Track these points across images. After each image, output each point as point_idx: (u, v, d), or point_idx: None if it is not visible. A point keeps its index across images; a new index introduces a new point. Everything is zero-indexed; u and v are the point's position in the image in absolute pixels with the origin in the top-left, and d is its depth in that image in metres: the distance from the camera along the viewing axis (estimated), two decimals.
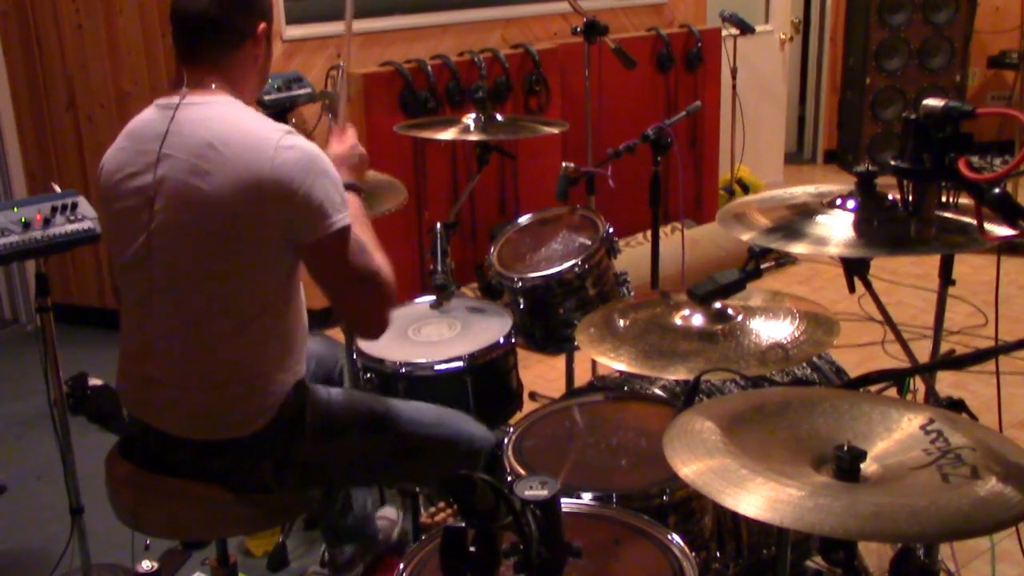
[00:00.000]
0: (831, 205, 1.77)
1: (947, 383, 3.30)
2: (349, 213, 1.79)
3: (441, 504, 2.55)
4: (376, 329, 1.91)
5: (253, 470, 1.88)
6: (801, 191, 1.92)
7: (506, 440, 1.96)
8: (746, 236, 1.76)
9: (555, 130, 3.01)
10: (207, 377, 1.84)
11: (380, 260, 1.85)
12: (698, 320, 1.94)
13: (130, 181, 1.83)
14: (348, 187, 1.92)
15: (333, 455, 1.95)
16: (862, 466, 1.31)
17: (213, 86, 1.84)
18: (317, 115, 4.02)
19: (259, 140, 1.75)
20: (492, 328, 2.44)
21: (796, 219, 1.77)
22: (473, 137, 2.86)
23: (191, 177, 1.75)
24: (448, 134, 2.88)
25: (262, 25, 1.87)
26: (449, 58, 4.37)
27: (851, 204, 1.75)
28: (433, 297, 2.59)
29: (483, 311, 2.57)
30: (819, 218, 1.75)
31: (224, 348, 1.83)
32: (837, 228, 1.70)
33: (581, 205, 2.83)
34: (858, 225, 1.70)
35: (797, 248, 1.69)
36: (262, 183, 1.72)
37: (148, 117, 1.86)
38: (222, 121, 1.78)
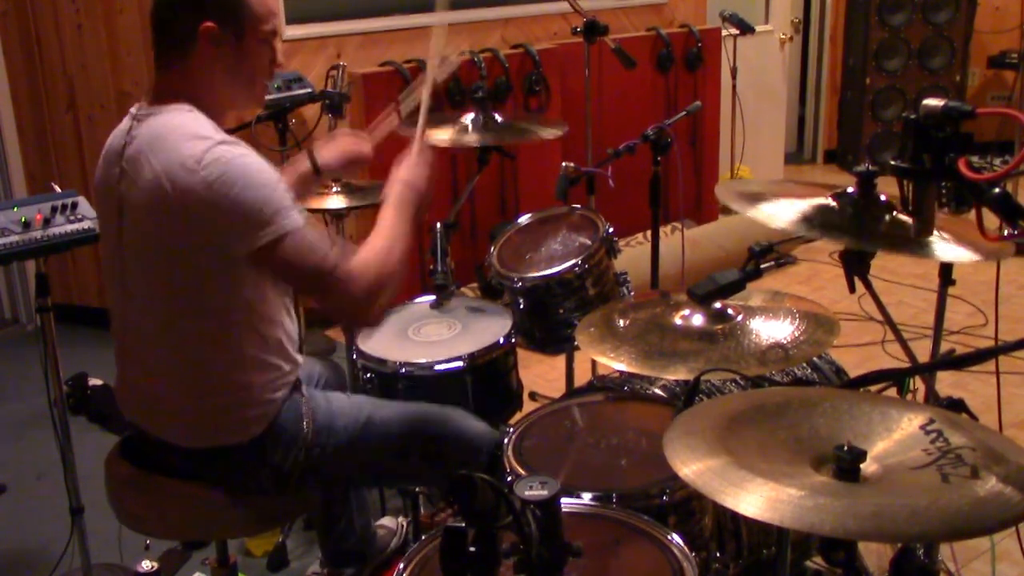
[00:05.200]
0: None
1: (947, 383, 3.30)
2: (290, 219, 1.71)
3: (441, 504, 2.55)
4: (358, 320, 1.90)
5: (252, 475, 1.89)
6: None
7: (506, 440, 1.96)
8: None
9: (557, 132, 2.99)
10: (195, 386, 1.84)
11: (364, 257, 1.78)
12: (698, 320, 1.94)
13: (104, 193, 1.86)
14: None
15: (332, 460, 1.95)
16: (862, 466, 1.31)
17: (176, 93, 1.82)
18: (317, 115, 4.02)
19: (185, 153, 1.71)
20: (492, 328, 2.44)
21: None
22: (471, 142, 2.86)
23: (140, 190, 1.75)
24: (446, 135, 2.87)
25: (205, 24, 1.79)
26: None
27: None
28: (433, 297, 2.59)
29: (483, 311, 2.57)
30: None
31: (208, 356, 1.83)
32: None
33: (581, 205, 2.83)
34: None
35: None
36: (186, 197, 1.69)
37: (120, 127, 1.86)
38: (160, 133, 1.76)
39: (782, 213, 1.72)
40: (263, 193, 1.71)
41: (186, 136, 1.73)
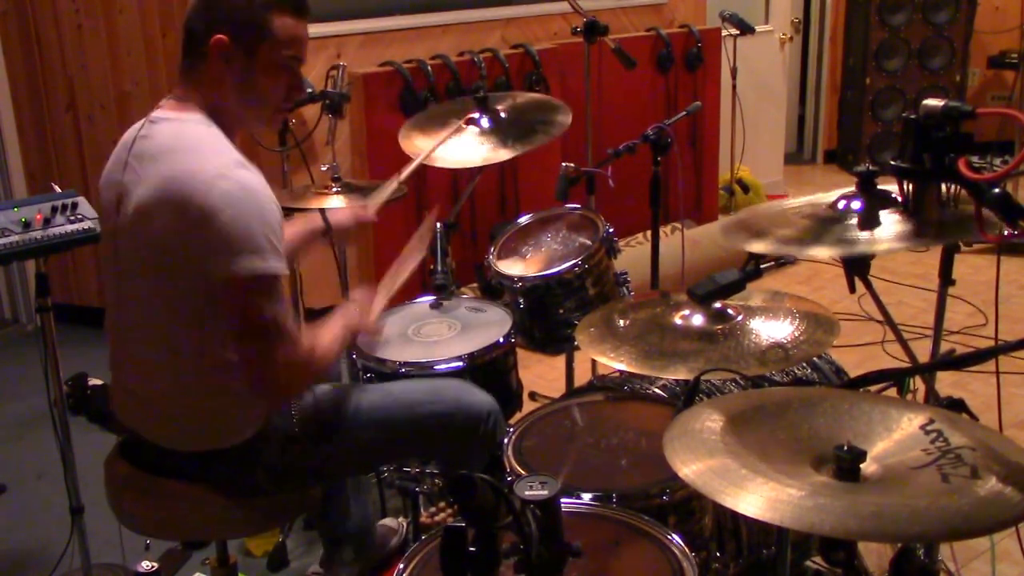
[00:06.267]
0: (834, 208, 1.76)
1: (947, 383, 3.30)
2: (272, 264, 1.69)
3: (441, 504, 2.55)
4: (268, 388, 1.79)
5: (248, 476, 1.88)
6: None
7: (506, 440, 1.96)
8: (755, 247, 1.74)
9: (565, 120, 2.85)
10: (189, 389, 1.84)
11: (316, 334, 1.84)
12: (698, 320, 1.93)
13: (108, 193, 1.86)
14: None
15: (330, 453, 1.95)
16: (862, 466, 1.31)
17: (191, 99, 1.82)
18: (317, 115, 4.02)
19: (199, 167, 1.70)
20: (492, 328, 2.44)
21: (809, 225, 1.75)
22: (496, 158, 2.74)
23: (145, 191, 1.75)
24: (456, 154, 2.79)
25: (217, 36, 1.78)
26: (449, 58, 4.37)
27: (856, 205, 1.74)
28: (433, 297, 2.60)
29: (483, 311, 2.57)
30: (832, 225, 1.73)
31: (202, 359, 1.82)
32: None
33: (581, 205, 2.83)
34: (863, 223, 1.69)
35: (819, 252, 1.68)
36: (189, 207, 1.68)
37: (132, 130, 1.86)
38: (177, 140, 1.76)
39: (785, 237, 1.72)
40: (257, 227, 1.69)
41: (205, 151, 1.73)
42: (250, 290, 1.69)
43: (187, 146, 1.75)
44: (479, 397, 2.09)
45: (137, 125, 1.85)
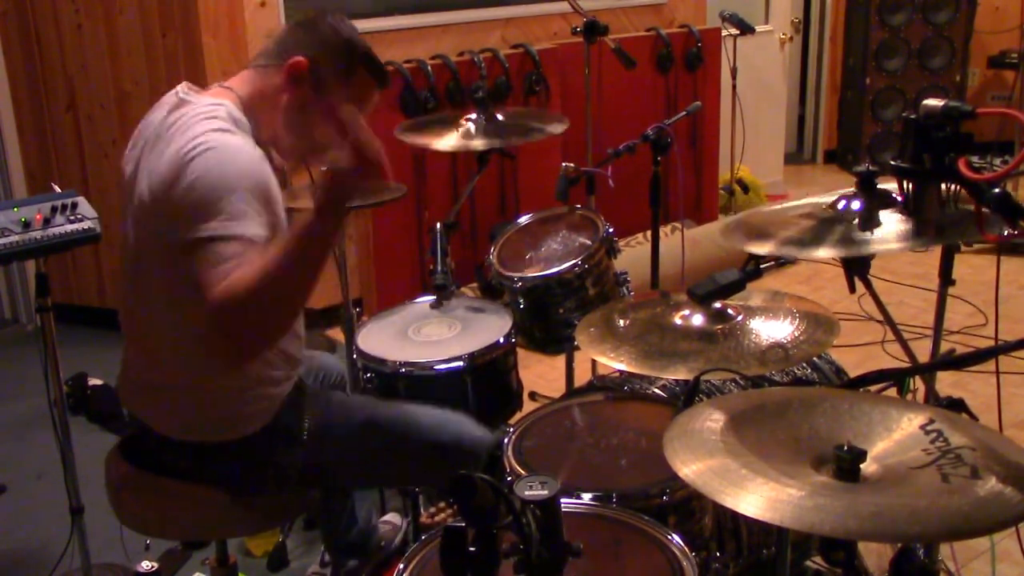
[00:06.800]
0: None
1: (947, 383, 3.30)
2: (230, 229, 1.59)
3: (441, 504, 2.55)
4: (228, 352, 1.64)
5: (251, 473, 1.88)
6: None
7: (506, 440, 1.96)
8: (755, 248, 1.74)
9: (560, 127, 2.96)
10: (191, 375, 1.83)
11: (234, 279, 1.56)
12: (698, 320, 1.93)
13: (124, 178, 1.85)
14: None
15: (331, 459, 1.95)
16: (862, 466, 1.31)
17: (235, 93, 1.80)
18: None
19: (184, 135, 1.67)
20: (492, 328, 2.44)
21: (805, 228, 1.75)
22: (477, 144, 2.84)
23: (144, 176, 1.74)
24: (449, 140, 2.85)
25: (294, 58, 1.77)
26: (449, 58, 4.37)
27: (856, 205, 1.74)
28: (433, 297, 2.60)
29: (483, 311, 2.57)
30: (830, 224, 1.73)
31: (201, 345, 1.80)
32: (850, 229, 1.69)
33: (581, 205, 2.83)
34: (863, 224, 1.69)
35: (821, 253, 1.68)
36: (167, 177, 1.65)
37: (161, 110, 1.83)
38: (183, 120, 1.73)
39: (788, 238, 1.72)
40: (227, 188, 1.61)
41: (193, 123, 1.70)
42: (205, 254, 1.59)
43: (186, 123, 1.72)
44: (481, 433, 2.08)
45: (167, 104, 1.80)
